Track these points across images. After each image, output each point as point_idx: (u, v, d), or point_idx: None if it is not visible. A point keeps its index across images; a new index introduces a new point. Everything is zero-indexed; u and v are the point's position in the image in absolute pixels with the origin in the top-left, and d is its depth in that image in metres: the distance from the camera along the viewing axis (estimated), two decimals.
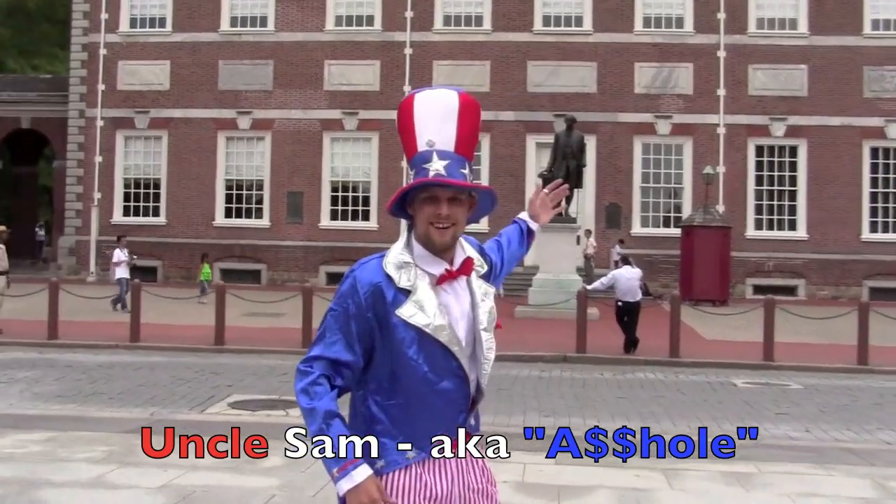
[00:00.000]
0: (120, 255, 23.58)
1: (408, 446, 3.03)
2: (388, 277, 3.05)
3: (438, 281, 3.07)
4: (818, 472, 8.51)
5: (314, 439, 2.94)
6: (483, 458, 3.21)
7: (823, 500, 7.48)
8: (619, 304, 17.64)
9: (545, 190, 3.88)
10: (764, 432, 10.92)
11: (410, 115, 3.14)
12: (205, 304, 22.47)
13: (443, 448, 3.05)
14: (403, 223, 3.20)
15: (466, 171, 3.09)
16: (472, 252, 3.23)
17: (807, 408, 12.74)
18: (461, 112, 3.12)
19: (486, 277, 3.24)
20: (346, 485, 2.89)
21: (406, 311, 3.00)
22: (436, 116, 3.11)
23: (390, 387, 3.04)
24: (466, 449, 3.12)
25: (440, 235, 3.05)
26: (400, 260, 3.09)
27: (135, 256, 25.52)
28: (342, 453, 2.90)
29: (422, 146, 3.10)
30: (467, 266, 3.13)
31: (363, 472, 2.90)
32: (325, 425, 2.93)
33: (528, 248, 3.85)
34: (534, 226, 3.81)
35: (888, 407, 12.99)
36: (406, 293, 3.02)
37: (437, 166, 3.03)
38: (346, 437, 2.93)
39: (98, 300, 21.62)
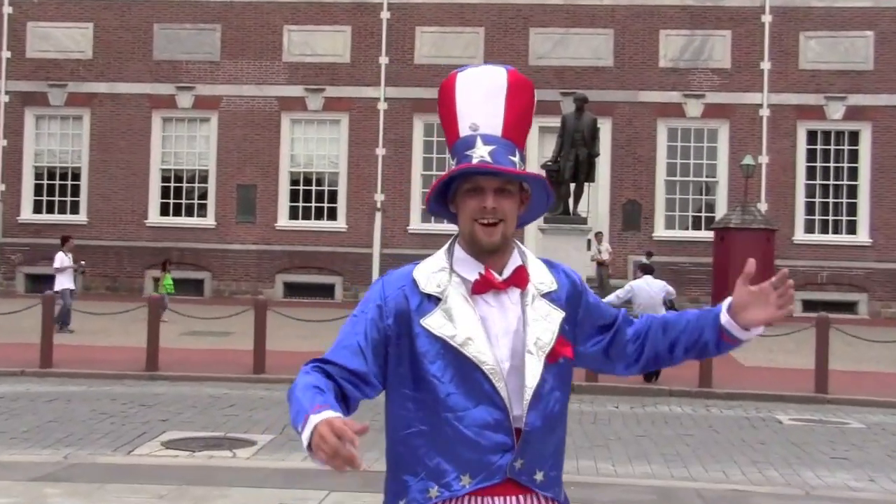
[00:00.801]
0: (64, 259, 23.35)
1: (432, 485, 3.03)
2: (415, 282, 3.11)
3: (475, 288, 3.09)
4: None
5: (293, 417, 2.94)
6: None
7: None
8: None
9: (772, 280, 3.44)
10: (817, 481, 10.92)
11: (452, 95, 3.20)
12: (164, 322, 22.21)
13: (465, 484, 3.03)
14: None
15: (516, 159, 3.13)
16: (537, 266, 3.23)
17: (871, 451, 12.73)
18: (510, 92, 3.18)
19: (554, 300, 3.20)
20: (304, 435, 2.83)
21: (432, 321, 3.05)
22: (481, 96, 3.16)
23: (410, 411, 3.08)
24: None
25: (487, 234, 3.08)
26: (435, 265, 3.16)
27: (82, 263, 25.36)
28: (305, 405, 2.89)
29: (464, 130, 3.15)
30: (518, 276, 3.14)
31: (318, 417, 2.79)
32: (294, 395, 2.99)
33: (706, 354, 3.45)
34: (729, 324, 3.40)
35: None
36: (436, 301, 3.07)
37: (481, 152, 3.08)
38: (315, 396, 2.91)
39: (1, 316, 21.49)
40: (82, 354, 18.73)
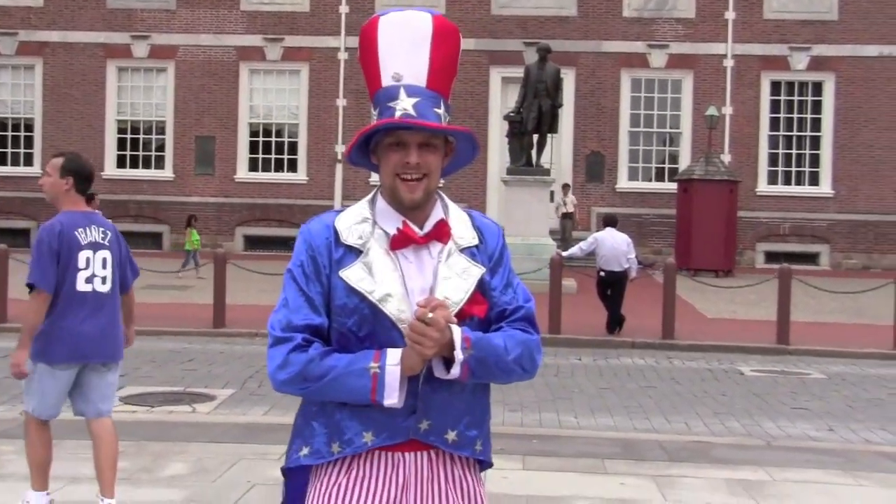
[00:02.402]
0: None
1: (335, 440, 3.04)
2: (337, 233, 3.06)
3: (393, 243, 3.05)
4: (845, 480, 8.60)
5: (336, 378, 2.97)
6: (470, 479, 3.18)
7: None
8: (602, 273, 17.69)
9: None
10: (778, 431, 11.04)
11: (374, 42, 3.12)
12: (181, 280, 21.88)
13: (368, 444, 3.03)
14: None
15: (441, 111, 3.08)
16: (459, 220, 3.19)
17: (831, 402, 12.87)
18: (435, 39, 3.10)
19: (475, 256, 3.15)
20: (392, 360, 2.94)
21: (352, 274, 3.01)
22: (404, 44, 3.09)
23: None
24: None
25: (409, 190, 3.04)
26: (357, 215, 3.11)
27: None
28: (359, 364, 2.96)
29: (387, 80, 3.09)
30: (439, 230, 3.10)
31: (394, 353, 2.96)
32: (322, 364, 2.98)
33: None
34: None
35: None
36: (357, 253, 3.04)
37: (404, 104, 3.02)
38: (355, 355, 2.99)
39: None
40: None
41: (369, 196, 3.17)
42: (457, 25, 3.20)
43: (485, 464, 3.24)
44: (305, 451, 3.09)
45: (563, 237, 29.32)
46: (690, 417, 11.61)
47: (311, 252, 3.07)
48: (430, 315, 2.86)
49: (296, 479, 3.20)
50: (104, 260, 6.89)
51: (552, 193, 27.90)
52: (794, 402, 12.72)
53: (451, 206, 3.20)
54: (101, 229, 6.93)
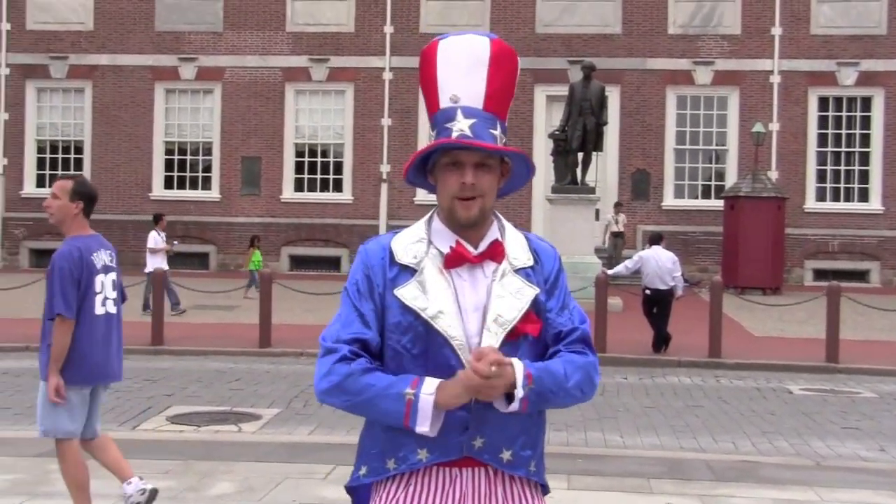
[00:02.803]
0: (157, 239, 21.79)
1: (390, 457, 3.08)
2: (392, 253, 3.12)
3: (447, 262, 3.10)
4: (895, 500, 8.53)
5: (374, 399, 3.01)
6: (530, 499, 3.20)
7: None
8: (647, 292, 17.64)
9: None
10: (827, 451, 10.96)
11: (433, 65, 3.18)
12: (251, 300, 21.84)
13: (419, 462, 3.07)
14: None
15: (497, 133, 3.12)
16: (515, 240, 3.22)
17: (882, 421, 12.77)
18: (493, 62, 3.16)
19: (529, 277, 3.18)
20: (428, 389, 2.97)
21: (406, 292, 3.06)
22: (462, 67, 3.14)
23: None
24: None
25: (465, 209, 3.08)
26: (414, 235, 3.16)
27: (175, 242, 24.28)
28: (397, 388, 3.00)
29: (445, 102, 3.14)
30: (493, 250, 3.14)
31: (430, 383, 2.99)
32: (362, 381, 3.02)
33: None
34: None
35: None
36: (412, 272, 3.08)
37: (461, 126, 3.07)
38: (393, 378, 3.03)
39: (4, 291, 21.49)
40: None
41: (426, 217, 3.22)
42: (514, 49, 3.23)
43: (544, 488, 3.27)
44: (364, 470, 3.15)
45: (613, 256, 29.28)
46: (738, 437, 11.55)
47: (367, 271, 3.13)
48: (494, 369, 2.89)
49: (359, 497, 3.25)
50: (112, 282, 7.08)
51: (597, 212, 27.85)
52: (844, 422, 12.62)
53: (509, 227, 3.24)
54: (108, 252, 7.10)
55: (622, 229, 31.11)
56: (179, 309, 21.12)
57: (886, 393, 14.84)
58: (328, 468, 8.89)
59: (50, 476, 8.65)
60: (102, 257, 6.97)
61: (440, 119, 3.13)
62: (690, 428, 12.01)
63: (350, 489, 3.25)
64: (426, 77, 3.19)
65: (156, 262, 21.05)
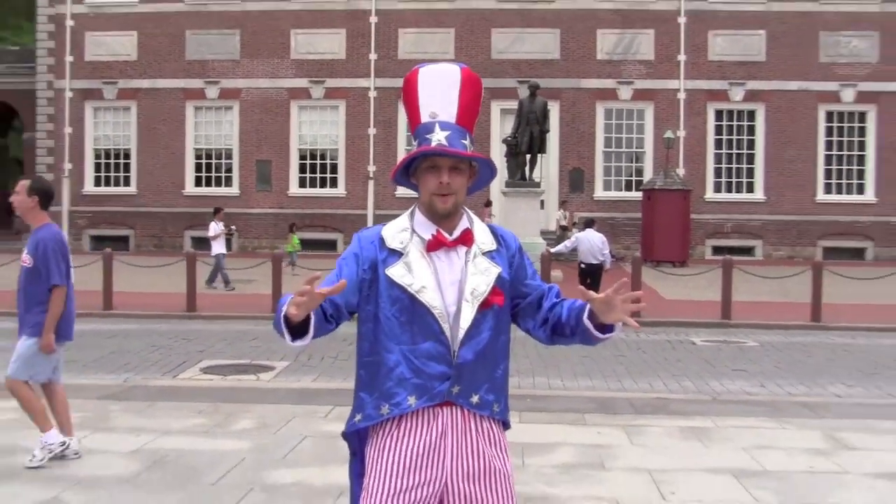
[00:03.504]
0: (216, 227, 21.66)
1: (384, 404, 3.10)
2: (383, 240, 3.15)
3: (429, 246, 3.13)
4: (773, 425, 8.64)
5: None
6: (496, 430, 3.28)
7: (778, 453, 7.60)
8: (582, 265, 17.71)
9: (613, 288, 3.16)
10: (721, 388, 11.07)
11: (414, 88, 3.20)
12: (296, 275, 21.59)
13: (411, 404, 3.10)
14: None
15: (467, 142, 3.16)
16: (481, 229, 3.26)
17: (763, 364, 12.91)
18: (463, 85, 3.18)
19: (494, 258, 3.23)
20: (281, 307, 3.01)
21: (395, 271, 3.09)
22: (439, 89, 3.16)
23: (372, 342, 3.13)
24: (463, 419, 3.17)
25: (442, 203, 3.11)
26: (399, 225, 3.19)
27: (232, 228, 23.73)
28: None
29: (425, 117, 3.16)
30: (465, 237, 3.17)
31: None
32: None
33: (552, 340, 3.36)
34: (587, 327, 3.22)
35: (839, 362, 13.19)
36: (398, 255, 3.11)
37: (439, 137, 3.09)
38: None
39: (71, 269, 21.40)
40: (136, 299, 18.74)
41: (409, 211, 3.25)
42: (479, 76, 3.27)
43: (505, 424, 3.34)
44: (359, 417, 3.17)
45: (559, 239, 29.32)
46: (653, 379, 11.65)
47: (358, 250, 3.18)
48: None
49: (353, 442, 3.28)
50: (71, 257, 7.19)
51: (542, 202, 27.85)
52: (734, 365, 12.74)
53: (476, 219, 3.28)
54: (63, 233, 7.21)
55: (566, 223, 31.12)
56: (230, 287, 20.94)
57: (766, 342, 14.98)
58: (328, 408, 8.94)
59: (110, 415, 8.69)
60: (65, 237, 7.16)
61: (421, 131, 3.14)
62: (616, 373, 12.09)
63: (346, 435, 3.28)
64: (409, 98, 3.21)
65: (217, 248, 21.10)
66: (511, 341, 3.34)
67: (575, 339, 3.28)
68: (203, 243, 32.69)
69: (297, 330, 3.03)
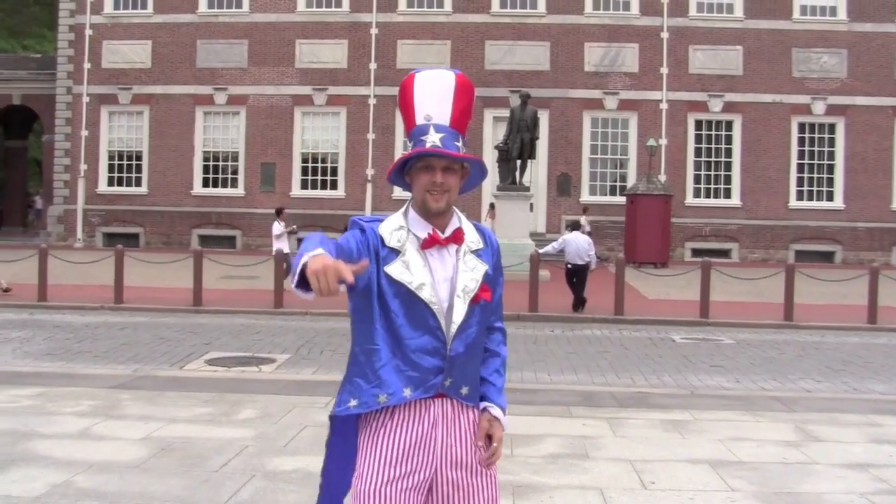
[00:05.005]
0: (279, 227, 21.10)
1: (381, 393, 3.06)
2: (382, 238, 3.09)
3: (423, 244, 3.10)
4: (747, 418, 8.63)
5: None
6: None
7: (752, 444, 7.59)
8: (569, 266, 17.70)
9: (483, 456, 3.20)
10: (699, 383, 11.06)
11: (411, 92, 3.16)
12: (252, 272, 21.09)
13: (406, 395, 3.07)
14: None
15: (460, 144, 3.12)
16: (469, 228, 3.22)
17: (738, 361, 12.90)
18: (457, 90, 3.14)
19: (481, 256, 3.20)
20: (305, 259, 2.74)
21: (394, 269, 3.04)
22: (434, 94, 3.13)
23: (372, 333, 3.08)
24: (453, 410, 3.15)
25: (435, 201, 3.08)
26: (394, 224, 3.14)
27: (294, 227, 23.03)
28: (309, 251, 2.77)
29: (420, 120, 3.12)
30: (456, 235, 3.14)
31: (312, 254, 2.74)
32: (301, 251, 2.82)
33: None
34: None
35: (809, 359, 13.18)
36: (396, 253, 3.07)
37: (433, 138, 3.06)
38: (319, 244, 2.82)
39: (84, 265, 21.34)
40: (145, 294, 18.69)
41: (402, 209, 3.20)
42: (472, 81, 3.23)
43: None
44: (354, 402, 3.10)
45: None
46: (635, 374, 11.63)
47: (361, 234, 3.07)
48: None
49: (339, 424, 3.22)
50: None
51: (532, 205, 27.83)
52: (712, 362, 12.73)
53: (464, 218, 3.24)
54: None
55: (589, 229, 30.75)
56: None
57: (742, 340, 14.98)
58: (327, 399, 8.90)
59: (120, 403, 8.64)
60: None
61: (416, 133, 3.11)
62: (600, 368, 12.07)
63: (334, 417, 3.21)
64: (405, 101, 3.17)
65: (280, 245, 20.60)
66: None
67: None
68: (209, 241, 32.86)
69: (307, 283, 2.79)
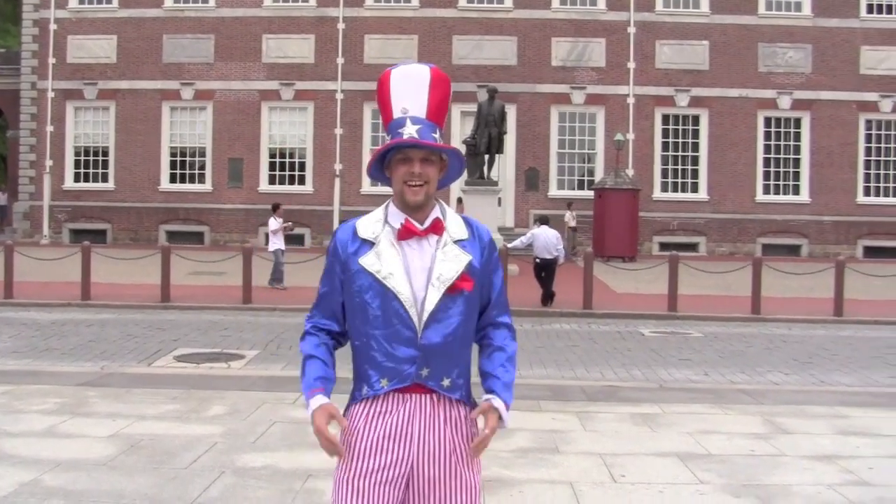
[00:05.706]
0: (275, 223, 20.68)
1: (363, 385, 3.11)
2: (356, 231, 3.13)
3: (399, 235, 3.10)
4: (716, 411, 8.69)
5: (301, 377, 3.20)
6: (463, 419, 3.20)
7: (720, 437, 7.64)
8: (538, 260, 17.74)
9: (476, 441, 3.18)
10: (668, 376, 11.12)
11: (387, 86, 3.17)
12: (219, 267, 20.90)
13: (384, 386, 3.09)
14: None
15: (437, 136, 3.12)
16: (455, 220, 3.22)
17: (706, 354, 12.99)
18: (433, 83, 3.15)
19: (465, 247, 3.17)
20: (309, 409, 3.09)
21: (366, 260, 3.07)
22: (410, 87, 3.14)
23: (354, 328, 3.13)
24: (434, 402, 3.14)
25: (413, 193, 3.08)
26: (373, 217, 3.17)
27: (290, 223, 22.53)
28: (310, 384, 3.13)
29: (397, 113, 3.13)
30: (435, 226, 3.14)
31: (316, 402, 3.07)
32: (304, 364, 3.18)
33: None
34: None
35: (776, 352, 13.30)
36: (370, 244, 3.09)
37: (410, 130, 3.06)
38: (315, 373, 3.14)
39: (50, 261, 21.11)
40: (112, 290, 18.53)
41: (384, 204, 3.21)
42: (447, 75, 3.22)
43: (472, 407, 3.29)
44: (366, 389, 3.16)
45: (573, 245, 29.56)
46: (604, 368, 11.68)
47: (335, 249, 3.16)
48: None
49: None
50: None
51: (500, 199, 27.85)
52: (680, 355, 12.82)
53: (449, 211, 3.24)
54: None
55: (574, 224, 30.81)
56: (281, 286, 19.73)
57: (710, 333, 15.08)
58: (295, 395, 8.87)
59: (87, 401, 8.56)
60: None
61: (394, 126, 3.11)
62: (569, 362, 12.11)
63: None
64: (382, 96, 3.18)
65: (276, 243, 20.29)
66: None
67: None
68: (176, 237, 32.63)
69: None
